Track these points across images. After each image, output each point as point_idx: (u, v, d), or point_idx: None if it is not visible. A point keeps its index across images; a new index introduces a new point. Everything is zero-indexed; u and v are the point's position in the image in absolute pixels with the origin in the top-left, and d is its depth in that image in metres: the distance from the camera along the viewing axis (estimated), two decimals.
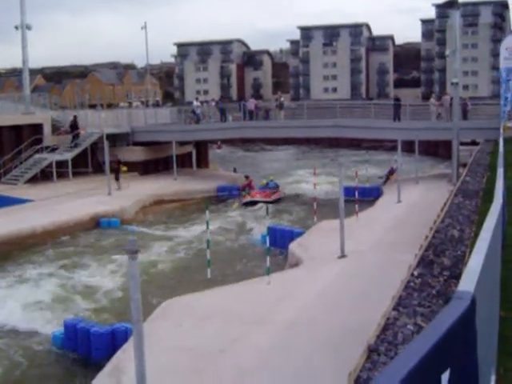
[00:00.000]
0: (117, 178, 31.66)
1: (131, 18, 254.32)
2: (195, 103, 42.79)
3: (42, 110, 41.14)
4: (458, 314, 2.25)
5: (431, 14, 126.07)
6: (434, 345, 1.93)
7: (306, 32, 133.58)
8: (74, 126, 37.03)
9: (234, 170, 44.00)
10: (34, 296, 17.21)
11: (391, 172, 36.35)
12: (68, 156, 35.10)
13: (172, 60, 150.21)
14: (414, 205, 24.03)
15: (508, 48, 30.84)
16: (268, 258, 14.96)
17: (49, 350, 13.67)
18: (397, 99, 37.54)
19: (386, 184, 33.89)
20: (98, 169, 35.82)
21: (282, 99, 41.18)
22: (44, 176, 34.42)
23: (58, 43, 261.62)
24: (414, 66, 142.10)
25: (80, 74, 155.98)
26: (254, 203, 31.30)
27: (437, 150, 50.31)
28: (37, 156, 34.80)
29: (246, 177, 36.41)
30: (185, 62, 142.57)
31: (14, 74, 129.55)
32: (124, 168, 33.41)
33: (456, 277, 9.56)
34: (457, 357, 2.25)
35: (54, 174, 34.11)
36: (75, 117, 38.01)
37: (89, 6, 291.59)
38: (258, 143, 69.24)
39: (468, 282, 2.72)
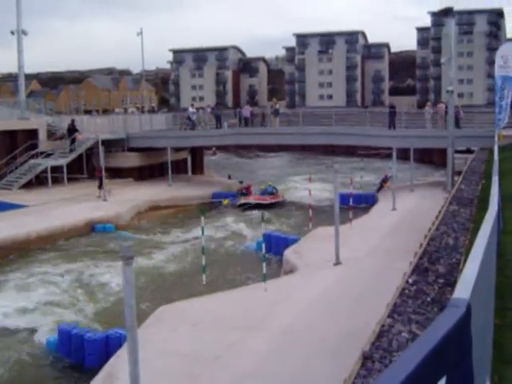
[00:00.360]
0: (100, 186, 31.26)
1: (127, 24, 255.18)
2: (191, 109, 42.89)
3: (37, 115, 41.11)
4: (454, 321, 2.25)
5: (427, 22, 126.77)
6: (430, 352, 1.93)
7: (302, 39, 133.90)
8: (72, 129, 37.01)
9: (229, 177, 44.02)
10: (38, 298, 17.19)
11: (385, 180, 36.44)
12: (63, 161, 35.07)
13: (168, 66, 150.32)
14: (409, 212, 24.06)
15: (503, 56, 30.92)
16: (264, 265, 14.96)
17: (43, 354, 13.62)
18: (392, 107, 37.61)
19: (381, 191, 33.92)
20: (93, 174, 35.78)
21: (277, 106, 41.26)
22: (39, 181, 34.38)
23: (54, 48, 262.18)
24: (409, 74, 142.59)
25: (75, 79, 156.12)
26: (252, 207, 31.42)
27: (432, 157, 50.42)
28: (32, 161, 34.76)
29: (241, 182, 36.69)
30: (180, 69, 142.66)
31: (10, 79, 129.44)
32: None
33: (451, 284, 9.57)
34: (452, 364, 2.25)
35: (49, 179, 34.07)
36: (73, 120, 38.11)
37: (86, 11, 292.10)
38: (252, 150, 69.28)
39: (463, 289, 2.72)
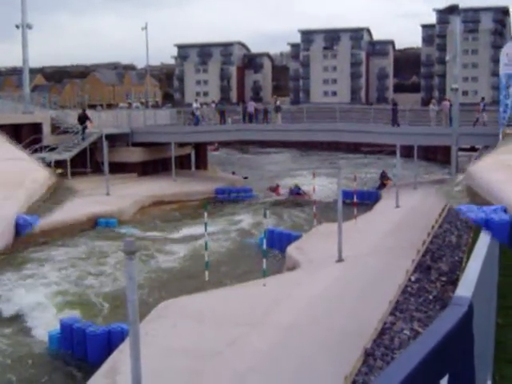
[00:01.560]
0: None
1: (132, 19, 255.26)
2: (195, 105, 42.88)
3: (41, 109, 41.07)
4: (456, 320, 2.25)
5: (432, 19, 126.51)
6: (432, 349, 1.93)
7: (307, 35, 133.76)
8: (84, 118, 37.03)
9: (233, 173, 44.09)
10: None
11: (383, 175, 36.51)
12: (67, 156, 35.05)
13: (172, 61, 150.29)
14: (412, 210, 24.00)
15: (508, 54, 30.84)
16: (265, 260, 14.97)
17: (46, 347, 13.64)
18: (394, 104, 37.54)
19: (385, 189, 33.86)
20: (97, 169, 35.80)
21: (278, 102, 41.29)
22: None
23: (59, 43, 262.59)
24: (414, 71, 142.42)
25: (80, 74, 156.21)
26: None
27: (436, 155, 50.35)
28: (36, 155, 34.73)
29: (245, 178, 37.25)
30: (185, 64, 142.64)
31: (14, 72, 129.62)
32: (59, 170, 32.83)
33: (453, 282, 9.57)
34: (455, 362, 2.25)
35: None
36: (84, 110, 38.34)
37: (90, 6, 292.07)
38: (255, 146, 69.13)
39: (466, 287, 2.72)
